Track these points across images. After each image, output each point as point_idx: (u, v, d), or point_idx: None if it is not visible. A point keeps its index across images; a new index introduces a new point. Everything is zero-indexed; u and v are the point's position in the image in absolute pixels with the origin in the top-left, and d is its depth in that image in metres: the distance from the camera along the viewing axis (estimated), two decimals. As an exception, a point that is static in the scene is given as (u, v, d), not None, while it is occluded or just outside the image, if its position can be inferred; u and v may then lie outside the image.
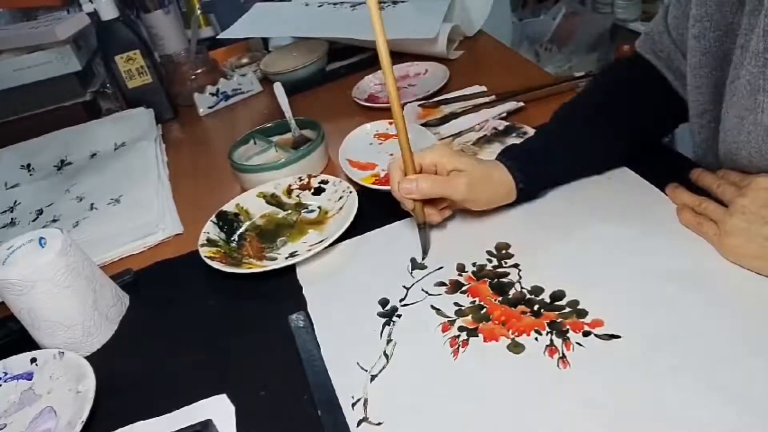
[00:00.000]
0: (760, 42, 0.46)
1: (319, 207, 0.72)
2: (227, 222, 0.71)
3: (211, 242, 0.68)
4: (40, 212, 0.87)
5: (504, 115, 0.80)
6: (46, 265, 0.56)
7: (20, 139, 1.01)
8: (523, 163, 0.60)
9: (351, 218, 0.64)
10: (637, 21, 2.07)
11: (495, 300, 0.53)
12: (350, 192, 0.69)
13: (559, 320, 0.49)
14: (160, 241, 0.75)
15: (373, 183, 0.72)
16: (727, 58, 0.53)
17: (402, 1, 1.12)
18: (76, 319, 0.59)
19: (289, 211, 0.73)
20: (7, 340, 0.63)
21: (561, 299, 0.51)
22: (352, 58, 1.14)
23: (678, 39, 0.61)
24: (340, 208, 0.69)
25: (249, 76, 1.12)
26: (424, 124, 0.82)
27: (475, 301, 0.54)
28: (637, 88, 0.65)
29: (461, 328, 0.51)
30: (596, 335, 0.47)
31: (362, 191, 0.70)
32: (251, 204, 0.74)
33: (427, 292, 0.56)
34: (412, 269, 0.59)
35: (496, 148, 0.70)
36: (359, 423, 0.45)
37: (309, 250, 0.63)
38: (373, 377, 0.49)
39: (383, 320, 0.54)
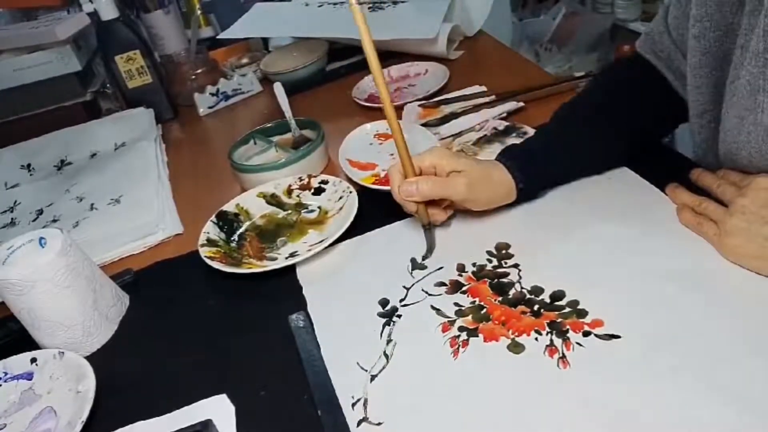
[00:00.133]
0: (760, 42, 0.46)
1: (319, 207, 0.72)
2: (227, 222, 0.71)
3: (211, 242, 0.68)
4: (40, 212, 0.87)
5: (504, 115, 0.80)
6: (46, 265, 0.56)
7: (20, 139, 1.01)
8: (522, 163, 0.60)
9: (351, 218, 0.64)
10: (637, 21, 2.07)
11: (495, 300, 0.53)
12: (350, 192, 0.69)
13: (559, 320, 0.49)
14: (160, 241, 0.75)
15: (373, 183, 0.72)
16: (727, 58, 0.53)
17: (402, 1, 1.12)
18: (76, 319, 0.59)
19: (289, 211, 0.73)
20: (7, 340, 0.63)
21: (561, 299, 0.51)
22: (352, 58, 1.14)
23: (678, 39, 0.61)
24: (340, 208, 0.69)
25: (249, 76, 1.12)
26: (424, 124, 0.82)
27: (475, 301, 0.54)
28: (637, 88, 0.65)
29: (461, 328, 0.51)
30: (596, 335, 0.47)
31: (362, 191, 0.70)
32: (251, 204, 0.74)
33: (427, 293, 0.56)
34: (412, 269, 0.59)
35: (496, 148, 0.70)
36: (359, 423, 0.45)
37: (309, 250, 0.63)
38: (373, 377, 0.49)
39: (383, 320, 0.54)
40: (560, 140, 0.63)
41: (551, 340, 0.48)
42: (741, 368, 0.42)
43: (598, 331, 0.48)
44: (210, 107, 1.09)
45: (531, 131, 0.73)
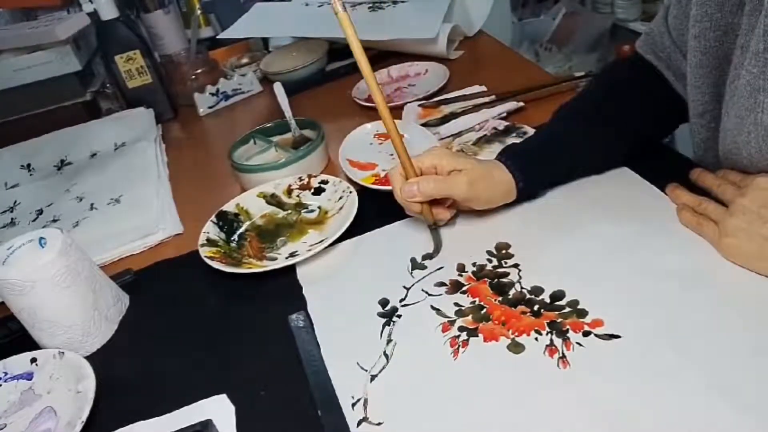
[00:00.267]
0: (760, 42, 0.46)
1: (319, 207, 0.72)
2: (227, 222, 0.71)
3: (211, 242, 0.68)
4: (40, 212, 0.87)
5: (504, 115, 0.80)
6: (46, 265, 0.56)
7: (20, 139, 1.01)
8: (523, 163, 0.60)
9: (351, 218, 0.64)
10: (637, 21, 2.07)
11: (495, 300, 0.53)
12: (350, 192, 0.69)
13: (559, 320, 0.49)
14: (160, 241, 0.75)
15: (373, 183, 0.72)
16: (727, 58, 0.53)
17: (402, 1, 1.12)
18: (76, 319, 0.59)
19: (289, 211, 0.73)
20: (7, 340, 0.63)
21: (561, 299, 0.51)
22: (352, 58, 1.11)
23: (678, 39, 0.61)
24: (340, 208, 0.69)
25: (249, 76, 1.12)
26: (424, 124, 0.82)
27: (475, 301, 0.54)
28: (637, 88, 0.65)
29: (461, 328, 0.51)
30: (596, 335, 0.47)
31: (362, 191, 0.70)
32: (251, 204, 0.74)
33: (427, 293, 0.56)
34: (412, 269, 0.59)
35: (496, 148, 0.70)
36: (359, 423, 0.45)
37: (309, 250, 0.63)
38: (373, 377, 0.49)
39: (383, 320, 0.54)
40: (560, 140, 0.63)
41: (551, 340, 0.48)
42: (741, 368, 0.42)
43: (598, 331, 0.48)
44: (210, 107, 1.09)
45: (531, 131, 0.73)
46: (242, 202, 0.74)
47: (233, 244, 0.69)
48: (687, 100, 0.59)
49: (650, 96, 0.65)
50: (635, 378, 0.43)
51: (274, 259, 0.65)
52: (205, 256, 0.65)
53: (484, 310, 0.52)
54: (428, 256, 0.60)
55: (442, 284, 0.56)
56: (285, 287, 0.61)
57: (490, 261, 0.57)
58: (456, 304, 0.54)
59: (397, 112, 0.86)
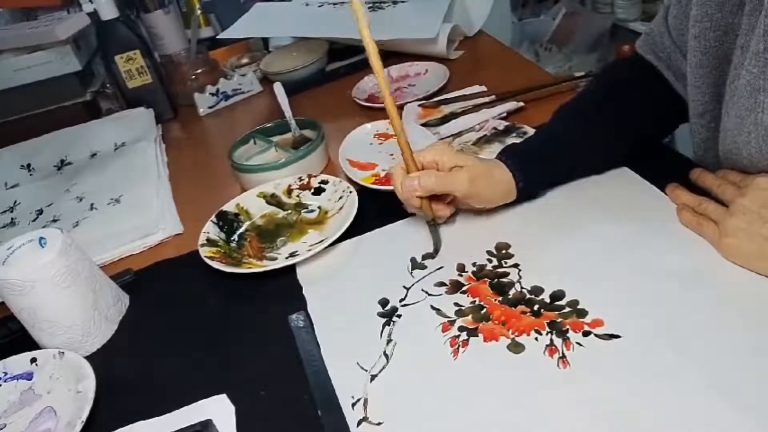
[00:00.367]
0: (760, 42, 0.46)
1: (319, 207, 0.72)
2: (227, 222, 0.71)
3: (211, 242, 0.68)
4: (40, 212, 0.87)
5: (504, 115, 0.80)
6: (46, 265, 0.56)
7: (20, 139, 1.01)
8: (523, 163, 0.60)
9: (351, 218, 0.64)
10: (637, 21, 2.07)
11: (495, 300, 0.53)
12: (350, 192, 0.69)
13: (559, 320, 0.49)
14: (160, 241, 0.75)
15: (373, 183, 0.72)
16: (727, 58, 0.53)
17: (402, 1, 1.12)
18: (76, 319, 0.59)
19: (289, 211, 0.73)
20: (7, 340, 0.63)
21: (561, 299, 0.51)
22: (352, 58, 1.14)
23: (678, 39, 0.61)
24: (340, 208, 0.69)
25: (249, 76, 1.12)
26: (424, 124, 0.82)
27: (475, 301, 0.54)
28: (637, 88, 0.65)
29: (461, 328, 0.51)
30: (596, 335, 0.47)
31: (362, 191, 0.70)
32: (251, 204, 0.74)
33: (427, 293, 0.56)
34: (412, 269, 0.59)
35: (496, 148, 0.70)
36: (359, 423, 0.45)
37: (309, 250, 0.63)
38: (373, 377, 0.49)
39: (383, 320, 0.54)
40: (560, 140, 0.63)
41: (551, 340, 0.48)
42: (741, 368, 0.42)
43: (598, 330, 0.48)
44: (210, 107, 1.09)
45: (531, 131, 0.73)
46: (242, 202, 0.74)
47: (233, 244, 0.69)
48: (687, 100, 0.59)
49: (650, 96, 0.65)
50: (635, 378, 0.43)
51: (274, 259, 0.65)
52: (205, 256, 0.65)
53: (484, 310, 0.52)
54: (428, 256, 0.60)
55: (442, 284, 0.56)
56: (285, 287, 0.61)
57: (490, 261, 0.57)
58: (456, 304, 0.54)
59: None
